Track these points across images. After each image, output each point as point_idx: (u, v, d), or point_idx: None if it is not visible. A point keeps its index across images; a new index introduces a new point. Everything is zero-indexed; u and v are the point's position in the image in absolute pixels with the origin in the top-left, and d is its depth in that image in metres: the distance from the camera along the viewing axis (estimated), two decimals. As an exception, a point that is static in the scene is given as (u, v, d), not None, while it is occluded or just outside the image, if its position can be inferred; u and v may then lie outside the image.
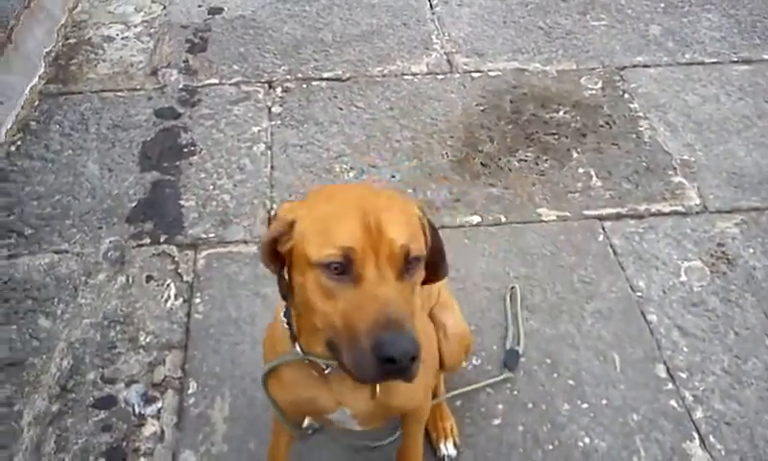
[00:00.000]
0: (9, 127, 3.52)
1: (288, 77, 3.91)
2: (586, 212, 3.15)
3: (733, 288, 2.84)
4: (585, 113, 3.67)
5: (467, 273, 2.86)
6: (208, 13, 4.40)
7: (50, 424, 2.37)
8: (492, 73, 3.95)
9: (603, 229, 3.07)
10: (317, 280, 1.40)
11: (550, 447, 2.35)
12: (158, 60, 4.03)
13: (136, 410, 2.42)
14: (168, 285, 2.83)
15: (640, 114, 3.66)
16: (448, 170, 3.35)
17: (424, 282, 1.58)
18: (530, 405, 2.46)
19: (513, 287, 2.80)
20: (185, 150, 3.44)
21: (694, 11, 4.45)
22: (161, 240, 3.01)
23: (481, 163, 3.39)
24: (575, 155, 3.43)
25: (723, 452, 2.34)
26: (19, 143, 3.45)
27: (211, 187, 3.25)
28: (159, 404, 2.44)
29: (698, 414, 2.43)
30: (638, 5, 4.50)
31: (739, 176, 3.32)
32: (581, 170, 3.35)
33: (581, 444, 2.35)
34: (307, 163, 3.36)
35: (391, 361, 1.31)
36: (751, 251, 2.98)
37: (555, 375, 2.54)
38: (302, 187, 3.21)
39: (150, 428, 2.38)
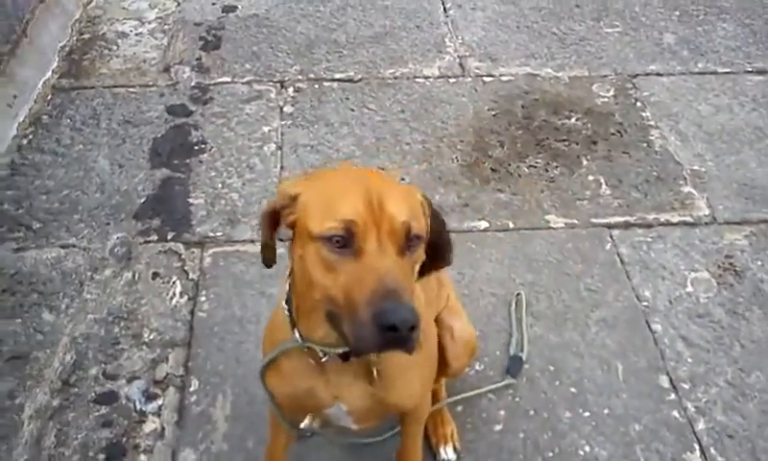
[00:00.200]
0: (21, 120, 3.54)
1: (300, 77, 3.92)
2: (594, 220, 3.13)
3: (740, 300, 2.82)
4: (596, 121, 3.65)
5: (472, 278, 2.86)
6: (222, 11, 4.41)
7: (51, 418, 2.38)
8: (504, 78, 3.94)
9: (611, 237, 3.06)
10: (318, 253, 1.40)
11: (550, 454, 2.34)
12: (171, 56, 4.05)
13: (137, 407, 2.43)
14: (174, 283, 2.84)
15: (652, 123, 3.64)
16: (458, 174, 3.35)
17: (430, 270, 1.58)
18: (531, 412, 2.45)
19: (518, 294, 2.79)
20: (196, 148, 3.45)
21: (709, 20, 4.42)
22: (168, 237, 3.02)
23: (491, 168, 3.38)
24: (585, 162, 3.42)
25: (724, 466, 2.33)
26: (31, 137, 3.47)
27: (220, 186, 3.25)
28: (160, 402, 2.44)
29: (700, 426, 2.42)
30: (653, 13, 4.47)
31: (750, 187, 3.30)
32: (590, 178, 3.34)
33: (581, 452, 2.34)
34: (317, 164, 3.36)
35: (392, 329, 1.32)
36: (759, 263, 2.96)
37: (557, 382, 2.53)
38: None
39: (150, 425, 2.38)
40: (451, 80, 3.93)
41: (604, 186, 3.29)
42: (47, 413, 2.39)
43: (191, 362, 2.57)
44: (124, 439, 2.34)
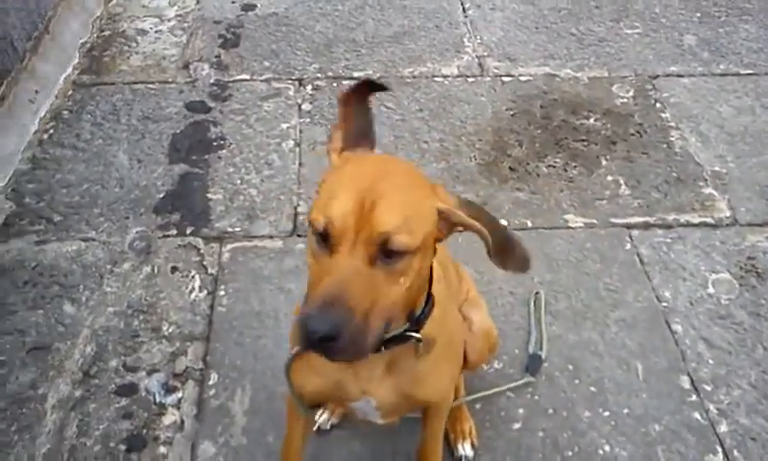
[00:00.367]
0: (42, 115, 3.56)
1: (319, 75, 3.92)
2: (613, 220, 3.12)
3: (763, 302, 2.80)
4: (615, 121, 3.64)
5: (491, 277, 2.85)
6: (241, 9, 4.42)
7: (73, 408, 2.39)
8: (522, 78, 3.93)
9: (630, 237, 3.04)
10: (310, 237, 1.44)
11: (570, 453, 2.33)
12: (191, 54, 4.06)
13: (157, 399, 2.43)
14: (193, 277, 2.84)
15: (672, 124, 3.63)
16: (476, 173, 3.34)
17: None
18: (551, 411, 2.44)
19: (537, 292, 2.78)
20: (215, 144, 3.46)
21: (731, 21, 4.40)
22: (187, 232, 3.02)
23: (509, 168, 3.37)
24: (604, 162, 3.41)
25: (747, 468, 2.31)
26: (52, 132, 3.49)
27: (239, 182, 3.26)
28: (180, 394, 2.45)
29: (722, 428, 2.40)
30: (674, 14, 4.45)
31: (772, 189, 3.28)
32: (610, 178, 3.32)
33: (601, 451, 2.33)
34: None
35: (309, 334, 1.34)
36: (781, 265, 2.95)
37: (577, 381, 2.52)
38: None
39: (170, 418, 2.39)
40: (470, 79, 3.92)
41: (623, 187, 3.28)
42: (69, 404, 2.40)
43: (210, 356, 2.57)
44: (144, 430, 2.35)
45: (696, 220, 3.13)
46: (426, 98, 3.77)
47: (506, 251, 1.56)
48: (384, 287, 1.40)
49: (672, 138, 3.54)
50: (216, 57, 4.04)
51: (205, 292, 2.79)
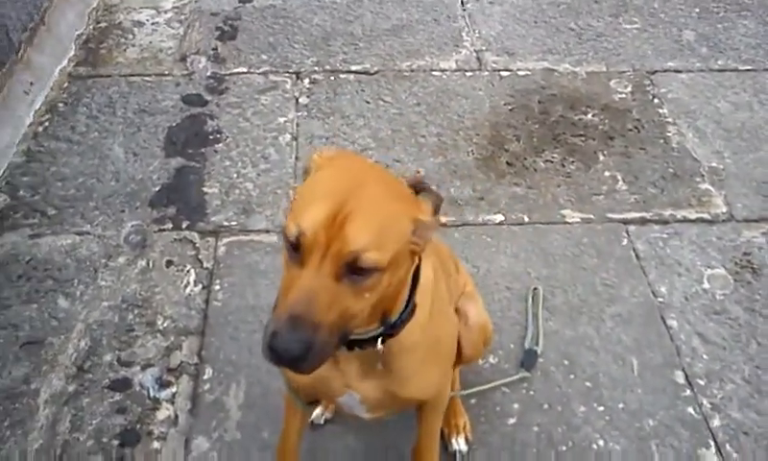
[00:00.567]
0: (37, 108, 3.55)
1: (316, 68, 3.91)
2: (610, 215, 3.11)
3: (758, 298, 2.80)
4: (613, 116, 3.63)
5: (488, 271, 2.84)
6: (239, 2, 4.40)
7: (66, 403, 2.39)
8: (521, 72, 3.92)
9: (627, 233, 3.04)
10: (284, 244, 1.42)
11: (564, 448, 2.33)
12: (187, 46, 4.05)
13: (151, 394, 2.43)
14: (188, 271, 2.84)
15: (669, 120, 3.62)
16: (473, 168, 3.33)
17: None
18: (546, 406, 2.44)
19: (535, 288, 2.77)
20: (211, 137, 3.45)
21: (730, 17, 4.39)
22: (183, 226, 3.02)
23: (506, 162, 3.36)
24: (602, 157, 3.40)
25: (739, 462, 2.31)
26: (47, 124, 3.48)
27: (235, 175, 3.25)
28: (174, 389, 2.45)
29: (715, 422, 2.40)
30: (672, 9, 4.44)
31: (769, 185, 3.28)
32: (607, 173, 3.32)
33: (595, 446, 2.33)
34: (332, 155, 3.34)
35: (280, 353, 1.35)
36: (777, 261, 2.94)
37: (572, 376, 2.52)
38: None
39: (164, 412, 2.38)
40: (468, 73, 3.91)
41: (620, 182, 3.27)
42: (62, 398, 2.40)
43: (205, 351, 2.57)
44: (138, 425, 2.34)
45: (693, 216, 3.12)
46: (424, 92, 3.76)
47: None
48: (350, 301, 1.39)
49: (669, 134, 3.54)
50: (213, 49, 4.02)
51: (201, 286, 2.78)
